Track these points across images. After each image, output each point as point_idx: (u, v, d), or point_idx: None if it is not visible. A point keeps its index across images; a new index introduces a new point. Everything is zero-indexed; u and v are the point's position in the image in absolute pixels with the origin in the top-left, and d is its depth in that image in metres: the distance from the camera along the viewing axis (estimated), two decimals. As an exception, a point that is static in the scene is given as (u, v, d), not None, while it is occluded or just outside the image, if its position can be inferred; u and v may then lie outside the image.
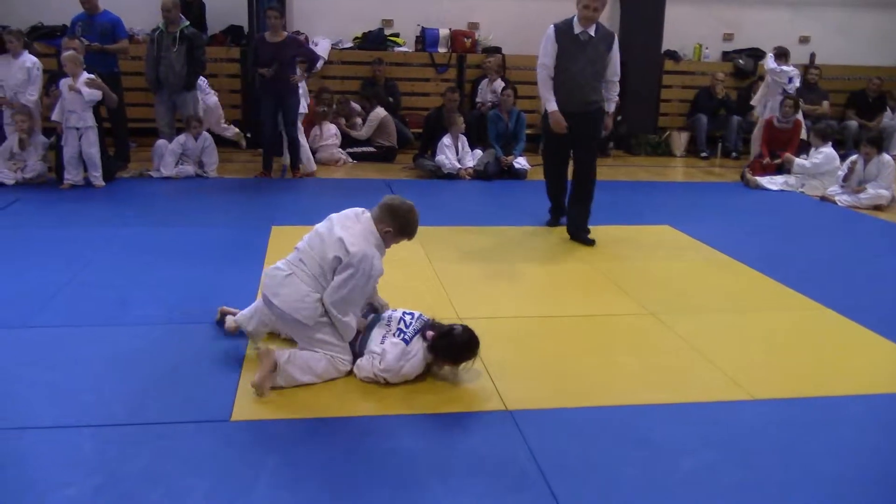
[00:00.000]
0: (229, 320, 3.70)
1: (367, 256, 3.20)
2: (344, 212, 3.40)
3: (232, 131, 9.26)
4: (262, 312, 3.51)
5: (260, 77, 7.60)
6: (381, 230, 3.30)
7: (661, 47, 10.47)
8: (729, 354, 3.67)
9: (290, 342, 3.48)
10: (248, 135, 9.56)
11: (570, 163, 5.77)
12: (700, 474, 2.64)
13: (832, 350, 3.81)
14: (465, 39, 10.28)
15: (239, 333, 3.66)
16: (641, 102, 10.30)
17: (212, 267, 4.76)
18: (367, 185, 7.53)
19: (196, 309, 3.97)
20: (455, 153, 8.29)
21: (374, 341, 3.31)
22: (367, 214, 3.35)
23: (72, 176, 7.02)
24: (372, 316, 3.48)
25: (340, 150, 8.96)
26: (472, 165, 8.26)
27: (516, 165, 8.28)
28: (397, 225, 3.30)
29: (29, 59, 7.23)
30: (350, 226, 3.29)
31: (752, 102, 9.52)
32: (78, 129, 6.92)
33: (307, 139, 8.56)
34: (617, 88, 5.57)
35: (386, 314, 3.46)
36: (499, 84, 9.48)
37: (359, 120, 9.26)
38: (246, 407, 3.00)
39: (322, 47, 9.81)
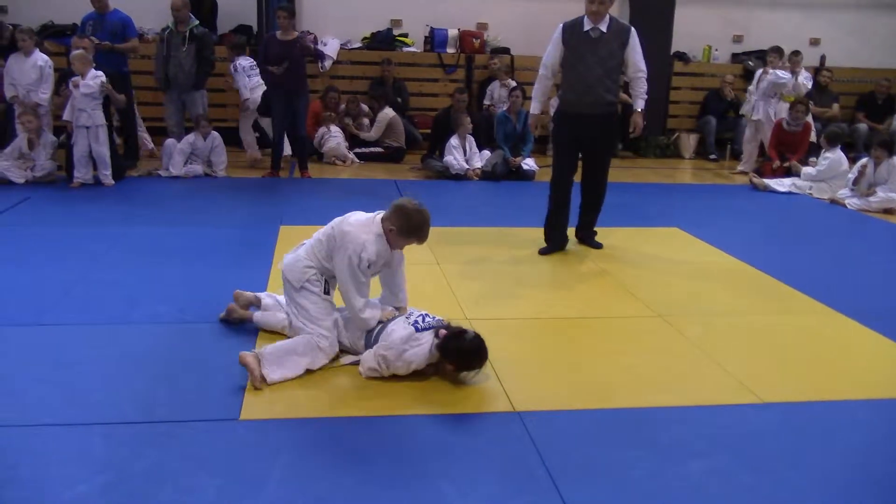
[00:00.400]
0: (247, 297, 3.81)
1: (355, 236, 3.28)
2: (358, 215, 3.45)
3: None
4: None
5: (269, 75, 7.62)
6: (385, 227, 3.34)
7: (670, 49, 10.45)
8: (737, 357, 3.66)
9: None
10: (257, 134, 9.58)
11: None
12: (708, 477, 2.64)
13: (841, 354, 3.80)
14: (474, 40, 10.28)
15: (243, 332, 3.67)
16: (650, 104, 10.25)
17: (220, 266, 4.78)
18: (375, 186, 7.53)
19: (205, 308, 3.98)
20: (463, 154, 8.30)
21: (385, 330, 3.35)
22: (381, 214, 3.40)
23: (81, 174, 7.04)
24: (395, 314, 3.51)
25: (347, 149, 8.97)
26: (480, 166, 8.26)
27: (524, 166, 8.29)
28: (402, 224, 3.32)
29: (41, 58, 7.27)
30: (358, 218, 3.40)
31: (742, 111, 9.52)
32: (88, 127, 6.95)
33: (313, 139, 8.60)
34: (643, 85, 5.18)
35: (407, 312, 3.50)
36: (511, 84, 9.47)
37: (366, 120, 9.27)
38: (255, 406, 3.01)
39: (331, 47, 9.84)
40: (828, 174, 7.85)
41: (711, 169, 9.74)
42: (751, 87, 9.24)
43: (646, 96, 5.22)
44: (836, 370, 3.60)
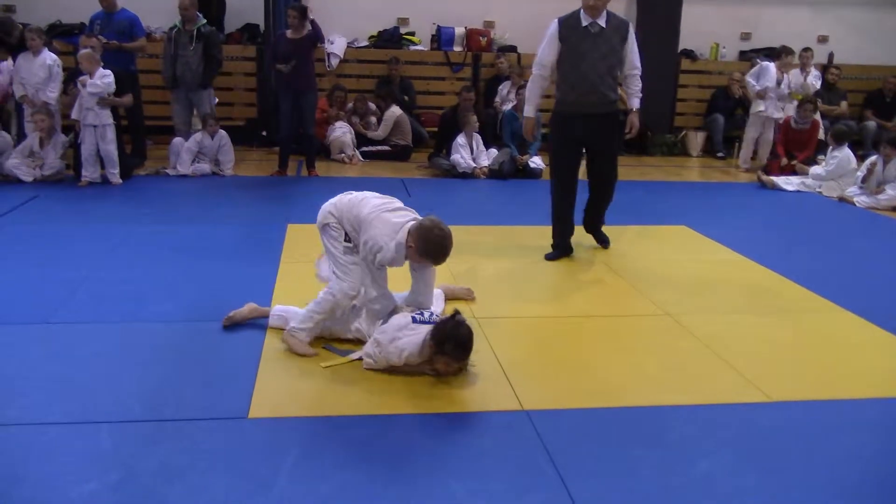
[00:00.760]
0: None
1: (377, 238, 3.31)
2: (397, 214, 3.44)
3: None
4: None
5: (277, 73, 7.63)
6: (406, 241, 3.32)
7: (677, 46, 10.42)
8: (746, 356, 3.65)
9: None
10: (264, 133, 9.61)
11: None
12: (717, 476, 2.63)
13: (850, 352, 3.78)
14: (481, 38, 10.28)
15: (251, 330, 3.68)
16: (657, 102, 10.25)
17: (228, 264, 4.79)
18: (382, 184, 7.45)
19: (213, 306, 3.99)
20: (470, 152, 8.29)
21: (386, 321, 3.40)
22: (411, 224, 3.37)
23: (89, 173, 7.07)
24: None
25: (353, 143, 8.98)
26: (487, 164, 8.26)
27: (531, 165, 8.28)
28: (420, 245, 3.30)
29: (49, 57, 7.30)
30: (387, 218, 3.39)
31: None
32: (95, 126, 6.97)
33: (322, 137, 8.61)
34: (639, 83, 4.96)
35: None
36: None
37: (373, 119, 9.28)
38: (264, 404, 3.01)
39: (337, 46, 9.85)
40: (837, 173, 7.82)
41: (719, 167, 9.71)
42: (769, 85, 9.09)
43: (641, 94, 5.01)
44: (844, 368, 3.58)
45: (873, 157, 7.65)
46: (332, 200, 3.58)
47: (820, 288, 4.67)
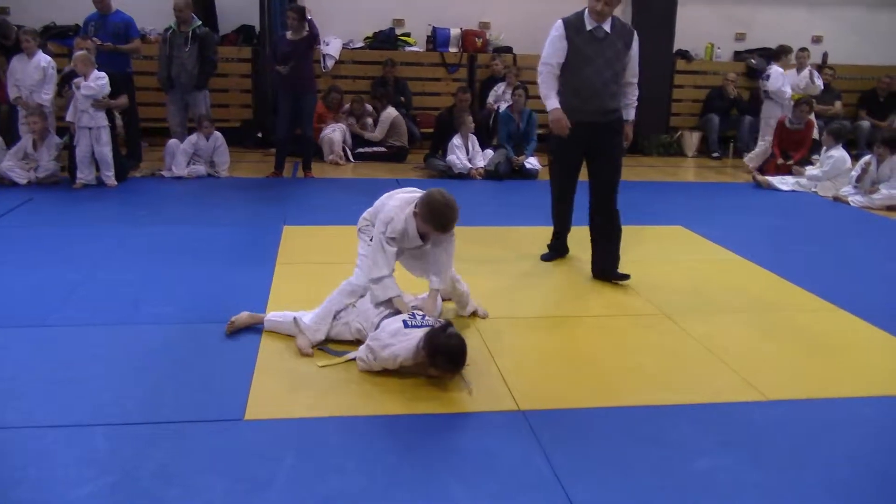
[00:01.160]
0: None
1: (390, 210, 3.53)
2: (406, 193, 3.66)
3: None
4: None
5: (276, 74, 7.63)
6: (412, 210, 3.49)
7: (672, 47, 10.44)
8: (742, 355, 3.66)
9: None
10: (260, 134, 9.60)
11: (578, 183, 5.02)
12: (715, 475, 2.63)
13: (846, 351, 3.79)
14: (476, 39, 10.28)
15: (248, 332, 3.68)
16: (653, 102, 10.27)
17: (224, 266, 4.78)
18: (378, 185, 7.44)
19: (209, 308, 3.99)
20: (466, 153, 8.30)
21: (380, 326, 3.42)
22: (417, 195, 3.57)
23: (84, 175, 7.06)
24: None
25: (344, 144, 8.99)
26: (483, 165, 8.26)
27: (527, 165, 8.29)
28: (424, 211, 3.43)
29: (44, 59, 7.28)
30: (403, 195, 3.63)
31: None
32: (90, 128, 6.96)
33: (317, 140, 8.61)
34: (636, 92, 4.76)
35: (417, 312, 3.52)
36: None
37: (370, 120, 9.28)
38: (260, 406, 3.01)
39: (333, 47, 9.85)
40: (832, 173, 7.83)
41: (714, 167, 9.73)
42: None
43: (636, 104, 4.79)
44: (840, 367, 3.59)
45: (867, 157, 7.68)
46: (369, 209, 3.78)
47: (815, 287, 4.68)
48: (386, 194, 3.73)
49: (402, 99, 9.69)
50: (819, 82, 9.30)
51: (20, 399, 3.00)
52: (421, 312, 3.48)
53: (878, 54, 11.10)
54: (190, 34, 7.79)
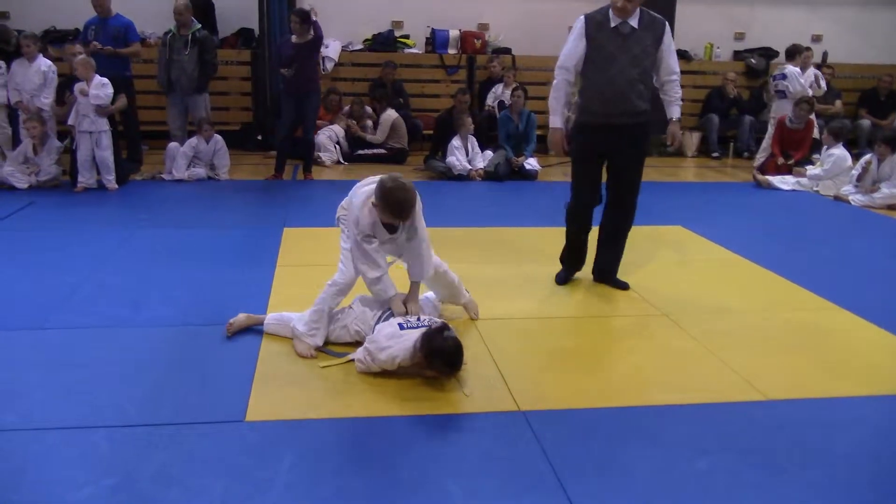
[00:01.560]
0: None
1: (355, 208, 3.46)
2: (368, 186, 3.54)
3: None
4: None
5: (281, 77, 7.65)
6: (371, 201, 3.40)
7: (672, 47, 10.42)
8: (742, 355, 3.66)
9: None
10: (259, 137, 9.61)
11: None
12: (714, 474, 2.63)
13: (846, 350, 3.79)
14: (475, 40, 10.28)
15: (247, 334, 3.69)
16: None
17: (224, 269, 4.78)
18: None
19: (209, 310, 3.99)
20: (465, 154, 8.30)
21: (376, 328, 3.43)
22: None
23: (85, 179, 7.06)
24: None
25: (336, 149, 9.01)
26: (482, 167, 8.26)
27: (527, 166, 8.29)
28: (378, 200, 3.35)
29: (44, 63, 7.29)
30: (365, 189, 3.52)
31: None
32: (91, 132, 6.97)
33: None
34: (678, 90, 4.42)
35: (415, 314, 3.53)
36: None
37: (369, 122, 9.29)
38: (260, 407, 3.01)
39: (332, 49, 9.85)
40: (834, 171, 7.83)
41: (714, 167, 9.73)
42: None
43: (681, 102, 4.45)
44: (841, 367, 3.59)
45: (868, 156, 7.67)
46: (346, 197, 3.69)
47: (816, 286, 4.68)
48: (359, 183, 3.62)
49: (401, 100, 9.69)
50: (823, 84, 9.29)
51: (20, 401, 3.01)
52: (416, 315, 3.48)
53: (878, 53, 11.09)
54: (190, 37, 7.80)
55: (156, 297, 4.22)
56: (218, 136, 7.90)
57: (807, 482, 2.61)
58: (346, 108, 9.33)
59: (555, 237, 5.79)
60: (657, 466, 2.68)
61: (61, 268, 4.71)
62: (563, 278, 4.70)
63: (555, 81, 4.32)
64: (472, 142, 8.38)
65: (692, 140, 10.41)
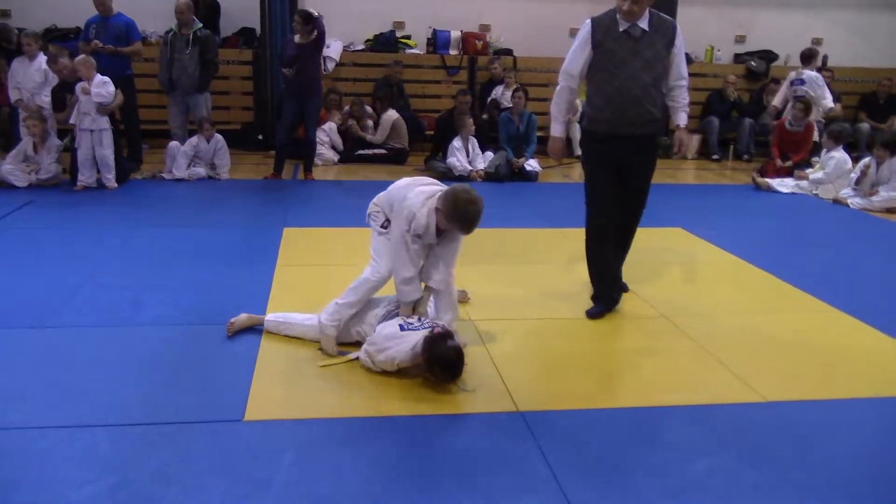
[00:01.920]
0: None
1: (411, 206, 3.39)
2: (426, 186, 3.53)
3: None
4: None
5: (284, 77, 7.66)
6: (434, 206, 3.38)
7: (672, 49, 10.42)
8: (741, 356, 3.67)
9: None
10: (260, 136, 9.61)
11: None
12: (713, 476, 2.64)
13: (844, 352, 3.80)
14: (477, 41, 10.30)
15: (247, 333, 3.70)
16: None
17: (224, 268, 4.79)
18: (377, 187, 7.47)
19: (209, 310, 4.00)
20: (466, 155, 8.31)
21: (377, 328, 3.44)
22: (440, 192, 3.44)
23: (85, 177, 7.07)
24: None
25: (332, 150, 9.02)
26: (483, 167, 8.27)
27: (527, 167, 8.30)
28: (448, 209, 3.33)
29: (45, 61, 7.29)
30: (421, 190, 3.48)
31: (775, 104, 9.46)
32: (92, 130, 6.97)
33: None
34: (687, 96, 4.17)
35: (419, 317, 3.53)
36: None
37: (370, 122, 9.29)
38: (259, 407, 3.02)
39: (334, 49, 9.86)
40: (835, 174, 7.85)
41: (714, 169, 9.74)
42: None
43: (688, 108, 4.24)
44: (839, 368, 3.60)
45: (867, 159, 7.69)
46: (378, 195, 3.67)
47: (814, 289, 4.69)
48: (402, 183, 3.59)
49: (404, 101, 9.69)
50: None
51: (21, 400, 3.01)
52: (417, 317, 3.48)
53: (877, 56, 11.11)
54: (191, 36, 7.81)
55: (156, 297, 4.22)
56: (218, 136, 7.91)
57: (805, 483, 2.62)
58: (346, 107, 9.33)
59: (555, 238, 5.83)
60: (655, 467, 2.68)
61: (61, 267, 4.71)
62: (596, 313, 4.20)
63: (557, 87, 4.13)
64: (473, 143, 8.39)
65: (692, 142, 10.42)
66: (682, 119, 4.23)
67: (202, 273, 4.67)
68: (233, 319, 3.73)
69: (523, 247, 5.55)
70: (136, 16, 8.08)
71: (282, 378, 3.29)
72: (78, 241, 5.31)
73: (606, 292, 4.28)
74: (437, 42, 10.26)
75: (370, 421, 2.96)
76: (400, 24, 10.40)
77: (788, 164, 8.44)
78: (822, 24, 11.04)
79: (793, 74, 9.34)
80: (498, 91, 9.76)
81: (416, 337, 3.24)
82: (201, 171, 7.81)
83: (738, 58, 11.04)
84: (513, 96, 8.73)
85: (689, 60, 10.52)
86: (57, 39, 9.13)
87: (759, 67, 10.74)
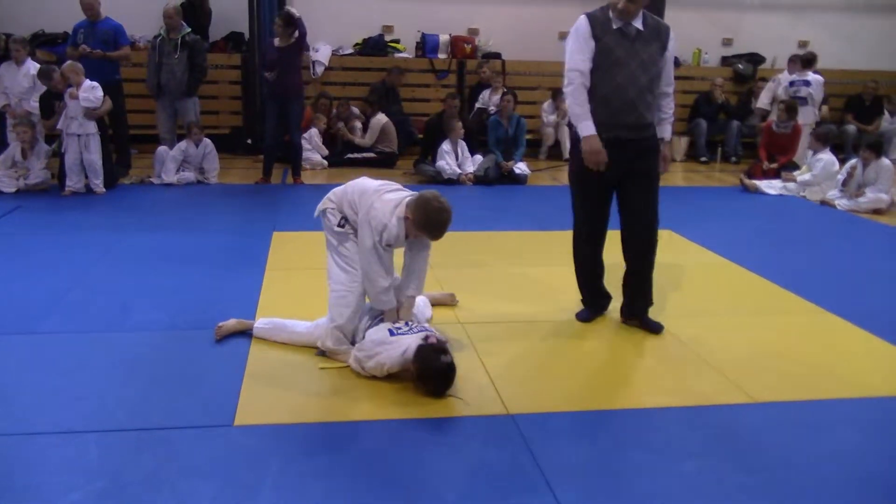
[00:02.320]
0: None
1: (380, 215, 3.32)
2: (392, 193, 3.45)
3: None
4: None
5: (266, 81, 7.65)
6: (406, 213, 3.33)
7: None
8: (730, 358, 3.68)
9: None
10: (249, 140, 9.60)
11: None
12: (702, 477, 2.65)
13: (832, 353, 3.82)
14: (466, 45, 10.32)
15: (236, 338, 3.69)
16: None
17: (213, 273, 4.78)
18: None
19: (198, 315, 3.99)
20: (455, 159, 8.32)
21: (366, 333, 3.43)
22: (409, 198, 3.39)
23: (73, 183, 7.03)
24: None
25: (319, 154, 9.03)
26: (472, 171, 8.28)
27: (517, 171, 8.32)
28: (418, 217, 3.30)
29: (33, 66, 7.29)
30: (388, 197, 3.41)
31: (761, 105, 9.54)
32: (80, 135, 6.94)
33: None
34: (672, 104, 3.95)
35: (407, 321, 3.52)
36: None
37: (358, 124, 9.29)
38: (249, 411, 3.01)
39: (322, 53, 9.86)
40: (823, 176, 7.89)
41: (702, 171, 9.79)
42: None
43: (673, 119, 4.01)
44: (827, 370, 3.62)
45: (853, 161, 7.73)
46: (332, 190, 3.61)
47: (801, 290, 4.72)
48: (363, 186, 3.50)
49: (396, 106, 9.69)
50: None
51: (8, 406, 3.00)
52: (406, 322, 3.48)
53: (863, 59, 11.18)
54: (179, 41, 7.80)
55: (144, 301, 4.21)
56: (207, 140, 7.89)
57: (792, 484, 2.63)
58: (334, 111, 9.33)
59: (544, 241, 5.84)
60: (646, 469, 2.69)
61: (49, 272, 4.69)
62: (587, 317, 4.19)
63: (570, 87, 3.79)
64: (462, 146, 8.40)
65: (680, 145, 10.47)
66: (667, 132, 3.96)
67: (191, 278, 4.66)
68: (221, 323, 3.72)
69: (513, 249, 5.56)
70: (124, 20, 8.05)
71: (271, 383, 3.28)
72: (66, 247, 5.28)
73: (594, 297, 4.24)
74: (426, 46, 10.27)
75: (360, 425, 2.96)
76: (389, 28, 10.41)
77: (775, 165, 8.50)
78: (808, 26, 11.12)
79: (786, 76, 9.42)
80: (484, 96, 9.75)
81: (408, 341, 3.24)
82: (190, 175, 7.79)
83: (725, 60, 11.11)
84: (501, 99, 8.74)
85: (677, 63, 10.61)
86: (45, 44, 9.11)
87: (746, 70, 10.81)
